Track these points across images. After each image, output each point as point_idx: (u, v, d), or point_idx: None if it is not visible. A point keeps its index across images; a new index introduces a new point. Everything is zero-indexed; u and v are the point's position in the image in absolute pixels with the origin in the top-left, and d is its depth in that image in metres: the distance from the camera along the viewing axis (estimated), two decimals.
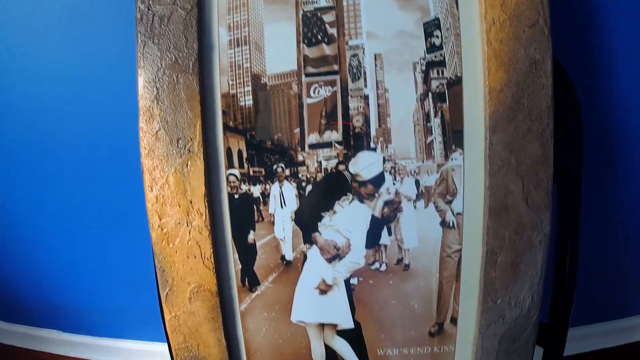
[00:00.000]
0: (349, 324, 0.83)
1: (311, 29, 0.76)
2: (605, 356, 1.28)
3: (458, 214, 0.78)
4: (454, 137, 0.76)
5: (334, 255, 0.79)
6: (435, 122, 0.76)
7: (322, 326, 0.83)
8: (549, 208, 0.78)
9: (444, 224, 0.78)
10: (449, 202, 0.78)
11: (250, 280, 0.81)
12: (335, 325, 0.83)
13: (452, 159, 0.76)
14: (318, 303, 0.82)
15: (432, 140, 0.76)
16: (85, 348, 1.37)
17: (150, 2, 0.78)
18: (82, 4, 0.96)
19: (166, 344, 0.87)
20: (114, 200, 1.16)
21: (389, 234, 0.79)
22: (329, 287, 0.81)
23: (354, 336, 0.84)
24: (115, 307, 1.31)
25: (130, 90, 0.79)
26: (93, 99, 1.01)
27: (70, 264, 1.28)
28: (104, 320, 1.34)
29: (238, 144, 0.78)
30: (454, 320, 0.83)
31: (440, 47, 0.76)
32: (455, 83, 0.76)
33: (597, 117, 0.98)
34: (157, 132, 0.78)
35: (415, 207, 0.78)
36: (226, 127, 0.77)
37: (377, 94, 0.76)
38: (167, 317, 0.85)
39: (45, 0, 0.98)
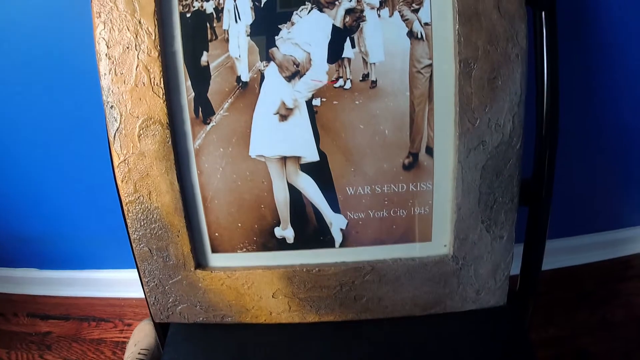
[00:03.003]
0: (314, 156, 0.77)
1: None
2: (590, 270, 1.24)
3: (426, 24, 0.74)
4: None
5: (294, 72, 0.75)
6: None
7: (284, 161, 0.78)
8: (523, 20, 0.74)
9: (411, 34, 0.74)
10: (416, 11, 0.74)
11: (204, 110, 0.77)
12: (298, 159, 0.77)
13: None
14: (278, 132, 0.76)
15: None
16: (60, 284, 1.32)
17: None
18: None
19: None
20: (77, 123, 1.13)
21: (353, 46, 0.74)
22: (290, 110, 0.76)
23: (319, 171, 0.77)
24: (90, 237, 1.26)
25: None
26: None
27: (37, 196, 1.24)
28: (80, 252, 1.29)
29: None
30: (429, 150, 0.77)
31: None
32: None
33: None
34: None
35: (379, 15, 0.74)
36: None
37: None
38: (115, 163, 0.79)
39: None
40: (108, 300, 1.34)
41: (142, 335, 1.21)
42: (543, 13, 0.80)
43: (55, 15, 1.00)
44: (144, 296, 0.87)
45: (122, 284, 1.31)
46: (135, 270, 1.14)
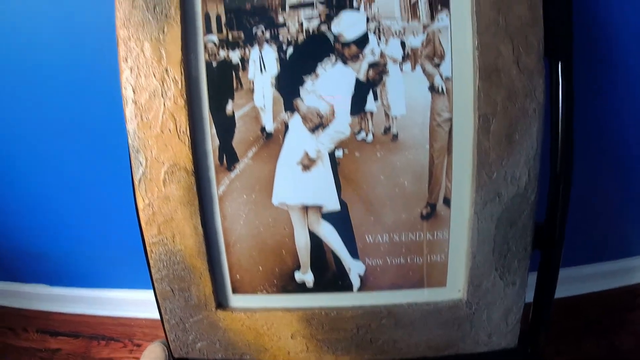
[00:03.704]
0: (335, 206, 0.80)
1: None
2: (598, 298, 1.26)
3: (447, 78, 0.77)
4: None
5: (317, 123, 0.78)
6: None
7: (306, 210, 0.81)
8: (541, 75, 0.78)
9: (432, 89, 0.77)
10: (437, 66, 0.77)
11: (229, 158, 0.80)
12: (320, 208, 0.81)
13: (438, 20, 0.76)
14: (301, 181, 0.80)
15: (417, 0, 0.77)
16: (73, 301, 1.35)
17: None
18: None
19: None
20: (95, 139, 1.14)
21: (375, 99, 0.77)
22: (313, 161, 0.79)
23: (340, 220, 0.81)
24: (102, 255, 1.29)
25: None
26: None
27: (51, 213, 1.26)
28: (91, 270, 1.32)
29: (217, 9, 0.78)
30: (447, 201, 0.80)
31: None
32: None
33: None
34: (133, 1, 0.78)
35: (401, 69, 0.77)
36: None
37: None
38: (140, 206, 0.82)
39: None
40: (118, 319, 1.37)
41: (152, 357, 1.24)
42: (560, 63, 0.84)
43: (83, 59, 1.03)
44: (154, 317, 0.90)
45: (132, 304, 1.34)
46: (146, 290, 1.18)
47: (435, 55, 0.77)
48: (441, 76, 0.77)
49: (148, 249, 0.84)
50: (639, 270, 1.31)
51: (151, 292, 0.89)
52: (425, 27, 0.77)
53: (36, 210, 1.27)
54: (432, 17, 0.77)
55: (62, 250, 1.31)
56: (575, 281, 1.28)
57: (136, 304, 1.34)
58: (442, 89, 0.77)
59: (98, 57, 1.00)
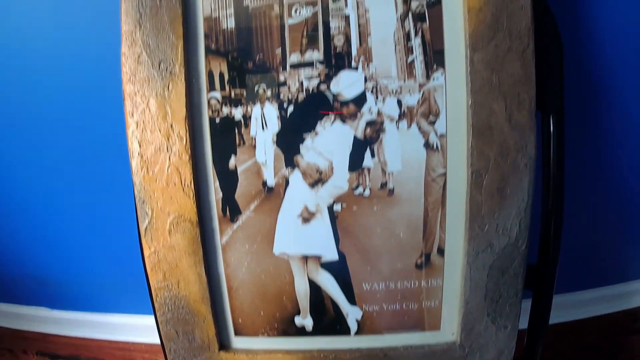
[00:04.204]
0: (333, 256, 0.84)
1: None
2: (598, 323, 1.30)
3: (441, 135, 0.81)
4: (435, 57, 0.80)
5: (317, 179, 0.82)
6: (416, 42, 0.81)
7: (305, 259, 0.85)
8: (533, 130, 0.82)
9: (427, 145, 0.81)
10: (432, 123, 0.81)
11: (232, 210, 0.84)
12: (319, 258, 0.85)
13: (433, 79, 0.80)
14: (301, 233, 0.84)
15: (413, 59, 0.81)
16: (72, 325, 1.38)
17: None
18: None
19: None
20: (97, 165, 1.18)
21: (372, 155, 0.82)
22: (312, 214, 0.83)
23: (338, 269, 0.85)
24: (104, 280, 1.32)
25: (113, 20, 0.84)
26: (73, 27, 1.05)
27: (54, 237, 1.29)
28: (93, 294, 1.35)
29: (220, 66, 0.81)
30: (440, 251, 0.85)
31: None
32: (435, 3, 0.80)
33: (577, 49, 1.03)
34: (138, 57, 0.82)
35: (398, 127, 0.81)
36: (208, 50, 0.81)
37: (358, 14, 0.81)
38: (146, 254, 0.87)
39: None
40: (118, 343, 1.40)
41: None
42: (552, 116, 0.88)
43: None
44: (154, 342, 0.93)
45: (132, 328, 1.37)
46: (146, 316, 1.23)
47: (430, 113, 0.81)
48: (436, 133, 0.81)
49: (154, 293, 0.89)
50: (637, 294, 1.35)
51: (151, 317, 0.93)
52: (421, 85, 0.81)
53: (39, 235, 1.30)
54: (428, 76, 0.81)
55: (63, 274, 1.34)
56: (574, 306, 1.31)
57: (136, 328, 1.37)
58: (436, 145, 0.81)
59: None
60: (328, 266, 0.85)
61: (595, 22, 0.99)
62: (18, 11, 1.04)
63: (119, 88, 0.83)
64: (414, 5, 0.81)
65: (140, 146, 0.83)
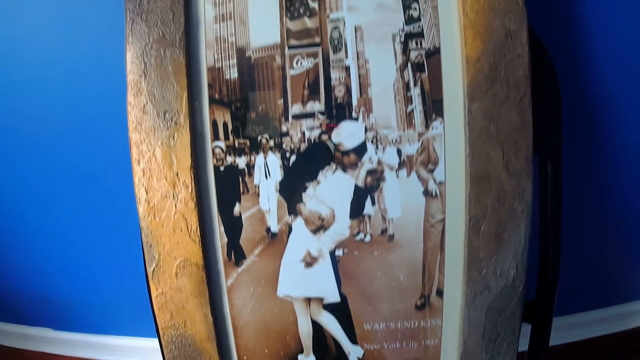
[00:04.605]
0: (335, 298, 0.88)
1: (293, 2, 0.84)
2: (599, 344, 1.33)
3: (440, 183, 0.84)
4: (433, 106, 0.83)
5: (319, 226, 0.85)
6: (415, 92, 0.83)
7: (308, 301, 0.89)
8: (530, 176, 0.84)
9: (426, 193, 0.84)
10: (431, 171, 0.84)
11: (237, 254, 0.87)
12: (321, 299, 0.88)
13: (432, 128, 0.83)
14: (304, 276, 0.87)
15: (413, 109, 0.83)
16: (75, 346, 1.41)
17: None
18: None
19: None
20: (102, 190, 1.21)
21: (373, 203, 0.84)
22: (315, 259, 0.86)
23: (340, 310, 0.88)
24: (107, 302, 1.36)
25: (119, 67, 0.87)
26: (81, 76, 1.08)
27: (59, 258, 1.32)
28: (96, 316, 1.39)
29: (223, 116, 0.84)
30: (439, 292, 0.88)
31: (419, 19, 0.83)
32: (434, 53, 0.83)
33: (575, 88, 1.05)
34: (144, 106, 0.85)
35: (397, 176, 0.84)
36: (212, 100, 0.84)
37: (358, 64, 0.83)
38: (153, 295, 0.90)
39: None
40: None
41: None
42: (549, 162, 0.90)
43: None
44: None
45: (135, 350, 1.39)
46: (149, 339, 1.27)
47: (429, 161, 0.84)
48: (435, 181, 0.84)
49: (161, 331, 0.92)
50: (637, 314, 1.38)
51: (154, 340, 0.95)
52: (420, 135, 0.83)
53: (46, 255, 1.33)
54: (427, 125, 0.83)
55: (68, 295, 1.37)
56: (575, 327, 1.33)
57: (139, 351, 1.39)
58: (435, 192, 0.84)
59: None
60: (330, 307, 0.88)
61: (593, 60, 1.01)
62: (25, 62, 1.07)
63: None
64: (413, 55, 0.83)
65: (147, 193, 0.86)
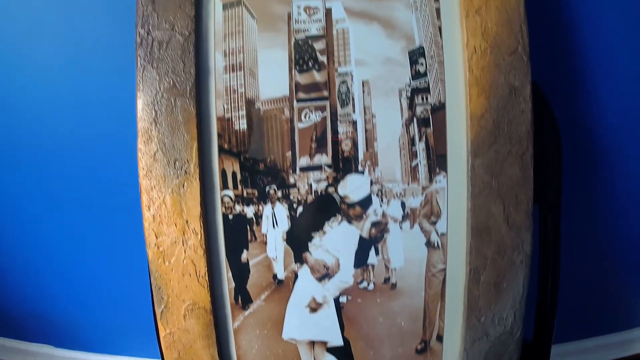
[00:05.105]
0: (339, 342, 0.91)
1: (303, 56, 0.87)
2: None
3: (442, 234, 0.87)
4: (437, 161, 0.86)
5: (324, 274, 0.89)
6: (420, 147, 0.86)
7: (312, 344, 0.92)
8: (529, 229, 0.88)
9: (428, 244, 0.88)
10: (434, 223, 0.87)
11: (243, 298, 0.91)
12: (325, 343, 0.92)
13: (436, 182, 0.86)
14: (308, 321, 0.91)
15: (417, 163, 0.86)
16: None
17: (150, 27, 0.88)
18: (85, 29, 1.07)
19: None
20: (108, 213, 1.24)
21: (377, 253, 0.88)
22: (319, 305, 0.90)
23: (343, 354, 0.92)
24: (109, 321, 1.39)
25: (129, 112, 0.89)
26: (93, 121, 1.11)
27: (62, 276, 1.35)
28: (97, 335, 1.42)
29: (232, 166, 0.87)
30: (439, 338, 0.92)
31: (425, 74, 0.86)
32: (439, 109, 0.85)
33: (575, 134, 1.08)
34: (155, 154, 0.87)
35: (401, 228, 0.87)
36: (221, 150, 0.87)
37: (365, 119, 0.86)
38: (162, 334, 0.94)
39: (48, 23, 1.08)
40: None
41: None
42: (548, 215, 0.94)
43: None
44: None
45: None
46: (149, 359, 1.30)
47: (432, 214, 0.87)
48: (437, 233, 0.87)
49: None
50: (637, 341, 1.41)
51: None
52: (424, 188, 0.86)
53: (49, 275, 1.36)
54: (431, 179, 0.86)
55: (69, 314, 1.39)
56: (575, 354, 1.37)
57: None
58: (437, 244, 0.88)
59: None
60: (333, 351, 0.92)
61: (592, 110, 1.04)
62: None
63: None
64: (418, 110, 0.86)
65: (157, 237, 0.89)
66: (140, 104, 0.87)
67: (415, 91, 0.85)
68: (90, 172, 1.18)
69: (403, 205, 0.86)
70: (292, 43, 0.86)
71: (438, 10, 0.86)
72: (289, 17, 0.87)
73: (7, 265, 1.36)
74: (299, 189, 0.86)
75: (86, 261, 1.33)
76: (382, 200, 0.86)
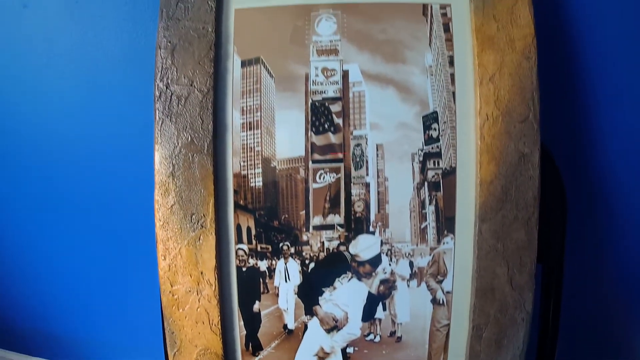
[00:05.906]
0: None
1: (319, 117, 0.90)
2: None
3: (448, 292, 0.92)
4: (446, 223, 0.90)
5: (333, 326, 0.94)
6: (430, 209, 0.90)
7: None
8: (531, 289, 0.93)
9: (434, 301, 0.93)
10: (440, 282, 0.92)
11: (254, 346, 0.95)
12: None
13: (444, 243, 0.91)
14: None
15: (426, 225, 0.90)
16: None
17: (169, 81, 0.91)
18: (105, 82, 1.10)
19: None
20: (112, 230, 1.28)
21: (384, 309, 0.93)
22: (327, 354, 0.95)
23: None
24: (113, 339, 1.43)
25: (148, 163, 0.93)
26: (113, 169, 1.14)
27: (66, 291, 1.39)
28: (100, 352, 1.47)
29: (247, 222, 0.91)
30: None
31: (437, 140, 0.90)
32: (450, 173, 0.90)
33: (582, 187, 1.12)
34: (172, 206, 0.91)
35: (408, 285, 0.92)
36: (237, 206, 0.91)
37: (378, 182, 0.90)
38: None
39: (68, 74, 1.11)
40: None
41: None
42: (550, 275, 0.99)
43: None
44: None
45: None
46: None
47: (439, 273, 0.92)
48: (442, 291, 0.92)
49: None
50: None
51: None
52: (432, 249, 0.91)
53: (51, 290, 1.40)
54: (439, 241, 0.91)
55: (70, 330, 1.43)
56: None
57: None
58: (442, 301, 0.92)
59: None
60: None
61: (596, 169, 1.08)
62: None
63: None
64: (430, 174, 0.90)
65: (172, 286, 0.94)
66: (157, 157, 0.91)
67: (427, 155, 0.89)
68: (100, 192, 1.21)
69: (411, 264, 0.90)
70: (309, 104, 0.90)
71: (453, 76, 0.89)
72: (307, 77, 0.90)
73: (11, 280, 1.40)
74: (311, 247, 0.91)
75: (90, 276, 1.37)
76: (391, 260, 0.90)
